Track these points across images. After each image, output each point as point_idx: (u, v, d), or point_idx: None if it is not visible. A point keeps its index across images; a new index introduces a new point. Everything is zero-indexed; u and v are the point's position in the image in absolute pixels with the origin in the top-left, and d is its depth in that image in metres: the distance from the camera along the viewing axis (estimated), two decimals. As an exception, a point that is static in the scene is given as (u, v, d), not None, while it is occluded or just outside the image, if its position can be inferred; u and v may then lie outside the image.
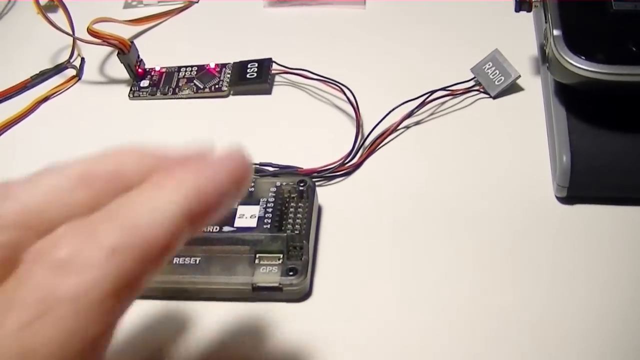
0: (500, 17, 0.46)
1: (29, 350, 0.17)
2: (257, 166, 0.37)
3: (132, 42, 0.43)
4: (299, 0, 0.49)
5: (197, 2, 0.50)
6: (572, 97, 0.38)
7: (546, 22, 0.38)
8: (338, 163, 0.38)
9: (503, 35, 0.44)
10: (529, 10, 0.40)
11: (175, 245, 0.19)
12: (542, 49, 0.42)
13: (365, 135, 0.39)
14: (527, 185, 0.37)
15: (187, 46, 0.47)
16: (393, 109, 0.40)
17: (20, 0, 0.52)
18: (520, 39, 0.44)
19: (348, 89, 0.41)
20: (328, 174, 0.37)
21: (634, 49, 0.35)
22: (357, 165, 0.38)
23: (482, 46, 0.42)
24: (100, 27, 0.43)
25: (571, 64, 0.35)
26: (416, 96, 0.40)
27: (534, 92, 0.42)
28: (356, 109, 0.40)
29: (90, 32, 0.42)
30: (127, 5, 0.50)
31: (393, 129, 0.40)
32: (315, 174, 0.37)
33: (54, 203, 0.19)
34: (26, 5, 0.46)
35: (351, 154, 0.38)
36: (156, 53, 0.46)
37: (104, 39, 0.42)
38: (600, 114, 0.37)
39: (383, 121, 0.40)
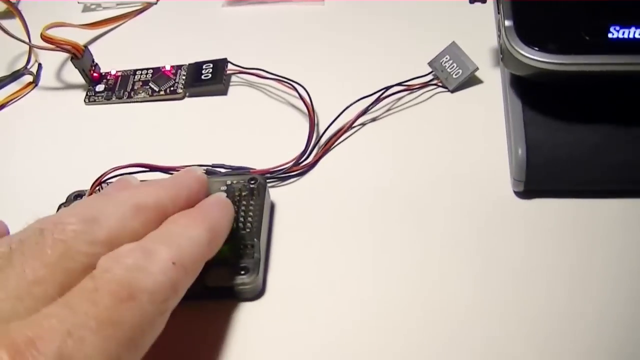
0: (457, 9, 0.45)
1: (117, 322, 0.23)
2: (210, 168, 0.36)
3: (85, 47, 0.43)
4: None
5: (156, 3, 0.49)
6: (527, 89, 0.37)
7: (498, 13, 0.37)
8: (292, 163, 0.37)
9: (461, 28, 0.44)
10: (483, 2, 0.39)
11: (203, 258, 0.28)
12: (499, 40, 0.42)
13: (320, 134, 0.39)
14: (487, 180, 0.36)
15: (144, 49, 0.46)
16: (348, 107, 0.39)
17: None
18: (479, 31, 0.43)
19: (302, 87, 0.40)
20: (282, 174, 0.37)
21: (587, 37, 0.34)
22: (312, 165, 0.38)
23: (440, 40, 0.42)
24: (55, 32, 0.42)
25: (523, 55, 0.34)
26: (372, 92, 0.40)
27: (493, 84, 0.41)
28: (310, 108, 0.39)
29: (44, 37, 0.42)
30: (85, 9, 0.49)
31: (348, 126, 0.39)
32: (269, 175, 0.36)
33: (123, 228, 0.26)
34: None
35: (305, 153, 0.38)
36: (113, 56, 0.45)
37: (57, 44, 0.42)
38: (556, 105, 0.36)
39: (338, 119, 0.39)
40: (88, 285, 0.24)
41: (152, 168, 0.36)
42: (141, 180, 0.32)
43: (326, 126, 0.39)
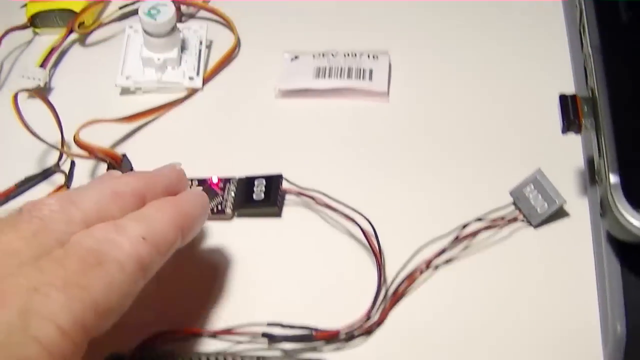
0: (543, 132, 0.40)
1: (84, 286, 0.24)
2: (266, 332, 0.32)
3: (124, 156, 0.39)
4: (313, 92, 0.43)
5: (202, 89, 0.44)
6: (628, 249, 0.32)
7: (600, 157, 0.33)
8: (359, 323, 0.33)
9: (546, 153, 0.39)
10: (577, 132, 0.35)
11: (175, 245, 0.29)
12: (590, 172, 0.37)
13: (389, 283, 0.34)
14: (573, 340, 0.33)
15: (188, 149, 0.41)
16: (420, 249, 0.35)
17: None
18: (567, 157, 0.39)
19: (367, 219, 0.36)
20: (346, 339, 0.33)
21: None
22: (379, 322, 0.33)
23: (522, 165, 0.37)
24: (90, 132, 0.38)
25: (631, 223, 0.30)
26: (448, 230, 0.36)
27: (581, 220, 0.37)
28: (376, 250, 0.35)
29: (78, 143, 0.37)
30: (123, 92, 0.45)
31: (420, 271, 0.35)
32: (333, 339, 0.32)
33: (100, 211, 0.28)
34: (7, 98, 0.41)
35: (374, 307, 0.33)
36: (152, 157, 0.40)
37: (92, 153, 0.37)
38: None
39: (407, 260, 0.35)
40: (59, 253, 0.25)
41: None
42: None
43: (395, 271, 0.35)
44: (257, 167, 0.39)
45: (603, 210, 0.32)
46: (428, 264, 0.35)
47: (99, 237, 0.26)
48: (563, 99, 0.35)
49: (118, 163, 0.38)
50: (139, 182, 0.30)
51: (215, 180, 0.39)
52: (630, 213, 0.30)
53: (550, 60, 0.43)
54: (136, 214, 0.28)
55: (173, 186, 0.32)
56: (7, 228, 0.26)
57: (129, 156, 0.40)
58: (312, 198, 0.37)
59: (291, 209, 0.39)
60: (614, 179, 0.31)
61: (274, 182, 0.38)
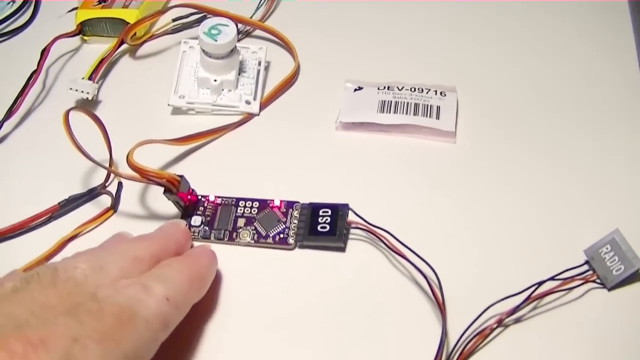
0: (622, 191, 0.38)
1: (117, 340, 0.26)
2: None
3: (182, 177, 0.36)
4: (376, 127, 0.41)
5: (258, 115, 0.42)
6: None
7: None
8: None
9: (623, 213, 0.37)
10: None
11: (193, 302, 0.32)
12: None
13: (455, 343, 0.32)
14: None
15: (242, 174, 0.40)
16: (490, 306, 0.33)
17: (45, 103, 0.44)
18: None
19: (433, 269, 0.34)
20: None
21: None
22: (447, 382, 0.32)
23: (598, 224, 0.36)
24: (143, 152, 0.36)
25: None
26: (519, 289, 0.34)
27: (658, 284, 0.35)
28: (441, 303, 0.33)
29: (131, 166, 0.35)
30: (175, 112, 0.43)
31: (489, 331, 0.33)
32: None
33: (123, 276, 0.30)
34: (54, 109, 0.38)
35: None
36: (203, 180, 0.39)
37: (147, 177, 0.35)
38: None
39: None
40: (93, 306, 0.27)
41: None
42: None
43: (461, 329, 0.33)
44: (317, 198, 0.38)
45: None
46: (499, 322, 0.33)
47: (129, 295, 0.28)
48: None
49: (175, 186, 0.36)
50: (156, 247, 0.32)
51: (277, 203, 0.37)
52: None
53: (632, 111, 0.42)
54: (159, 275, 0.31)
55: (182, 246, 0.34)
56: (46, 285, 0.27)
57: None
58: (379, 237, 0.35)
59: (355, 243, 0.37)
60: None
61: (340, 213, 0.36)
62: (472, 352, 0.33)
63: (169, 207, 0.38)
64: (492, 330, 0.33)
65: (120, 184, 0.39)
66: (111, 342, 0.26)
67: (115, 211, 0.39)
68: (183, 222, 0.36)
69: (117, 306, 0.27)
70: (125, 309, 0.27)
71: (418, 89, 0.42)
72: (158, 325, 0.29)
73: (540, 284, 0.34)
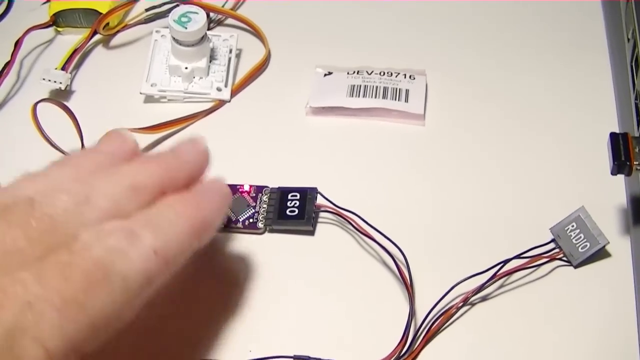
0: (586, 170, 0.39)
1: (82, 305, 0.23)
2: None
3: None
4: (346, 111, 0.41)
5: (229, 101, 0.43)
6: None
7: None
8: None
9: (588, 191, 0.38)
10: (628, 174, 0.33)
11: (188, 254, 0.27)
12: (634, 212, 0.36)
13: (421, 320, 0.33)
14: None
15: (214, 160, 0.40)
16: (456, 285, 0.34)
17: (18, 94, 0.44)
18: (608, 196, 0.37)
19: (401, 251, 0.34)
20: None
21: None
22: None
23: (564, 202, 0.36)
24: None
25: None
26: (483, 265, 0.34)
27: (623, 261, 0.36)
28: (408, 283, 0.34)
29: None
30: (147, 100, 0.43)
31: (455, 309, 0.34)
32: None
33: (116, 209, 0.25)
34: (27, 100, 0.39)
35: (404, 345, 0.32)
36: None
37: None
38: None
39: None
40: (64, 258, 0.23)
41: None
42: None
43: (427, 307, 0.33)
44: (287, 182, 0.38)
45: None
46: (465, 301, 0.34)
47: (109, 246, 0.24)
48: (614, 137, 0.33)
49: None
50: (162, 172, 0.28)
51: (247, 188, 0.38)
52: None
53: (597, 92, 0.42)
54: (153, 218, 0.26)
55: (196, 172, 0.29)
56: (15, 223, 0.23)
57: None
58: (347, 219, 0.36)
59: (324, 226, 0.37)
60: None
61: (309, 196, 0.37)
62: (438, 330, 0.33)
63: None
64: (459, 308, 0.34)
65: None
66: (74, 308, 0.22)
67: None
68: (203, 141, 0.30)
69: (91, 261, 0.23)
70: (100, 265, 0.23)
71: (387, 73, 0.42)
72: (138, 284, 0.24)
73: (506, 262, 0.35)
